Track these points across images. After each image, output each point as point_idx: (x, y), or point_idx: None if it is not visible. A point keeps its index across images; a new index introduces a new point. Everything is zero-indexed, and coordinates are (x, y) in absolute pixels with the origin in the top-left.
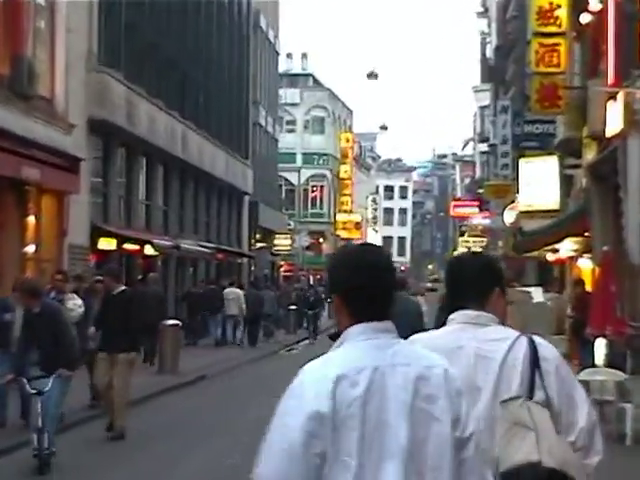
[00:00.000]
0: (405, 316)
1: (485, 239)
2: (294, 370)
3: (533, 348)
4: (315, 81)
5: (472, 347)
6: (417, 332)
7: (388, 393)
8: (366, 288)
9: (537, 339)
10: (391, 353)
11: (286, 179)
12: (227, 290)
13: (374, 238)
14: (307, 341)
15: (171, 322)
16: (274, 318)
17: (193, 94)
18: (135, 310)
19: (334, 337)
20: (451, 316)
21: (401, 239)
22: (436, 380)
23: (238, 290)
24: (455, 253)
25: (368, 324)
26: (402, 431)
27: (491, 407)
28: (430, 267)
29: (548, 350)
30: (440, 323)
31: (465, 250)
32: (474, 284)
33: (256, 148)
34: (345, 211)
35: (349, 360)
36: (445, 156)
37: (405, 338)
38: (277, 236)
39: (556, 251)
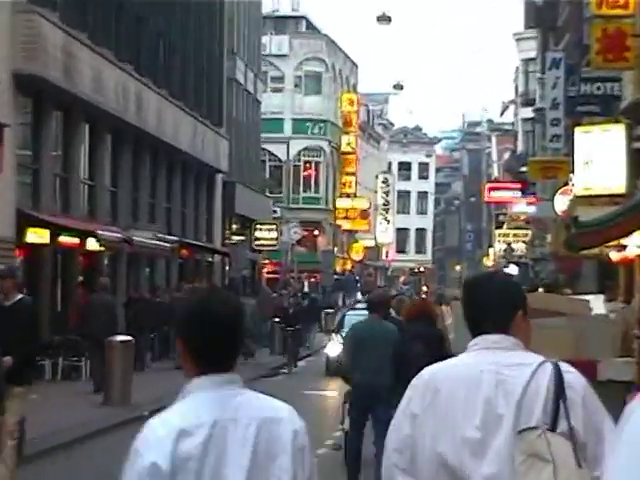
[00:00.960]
0: (380, 346)
1: (529, 232)
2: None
3: (558, 375)
4: (309, 25)
5: (492, 373)
6: (399, 362)
7: (227, 448)
8: (208, 339)
9: (564, 366)
10: (234, 406)
11: (271, 153)
12: None
13: (385, 230)
14: (285, 370)
15: (121, 338)
16: (255, 333)
17: (151, 42)
18: (29, 327)
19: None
20: (471, 342)
21: (420, 232)
22: (279, 435)
23: None
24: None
25: (210, 376)
26: None
27: (512, 436)
28: (458, 268)
29: (575, 378)
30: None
31: (504, 247)
32: (494, 309)
33: (232, 113)
34: (348, 195)
35: (189, 414)
36: (478, 124)
37: (385, 369)
38: (259, 227)
39: (622, 248)
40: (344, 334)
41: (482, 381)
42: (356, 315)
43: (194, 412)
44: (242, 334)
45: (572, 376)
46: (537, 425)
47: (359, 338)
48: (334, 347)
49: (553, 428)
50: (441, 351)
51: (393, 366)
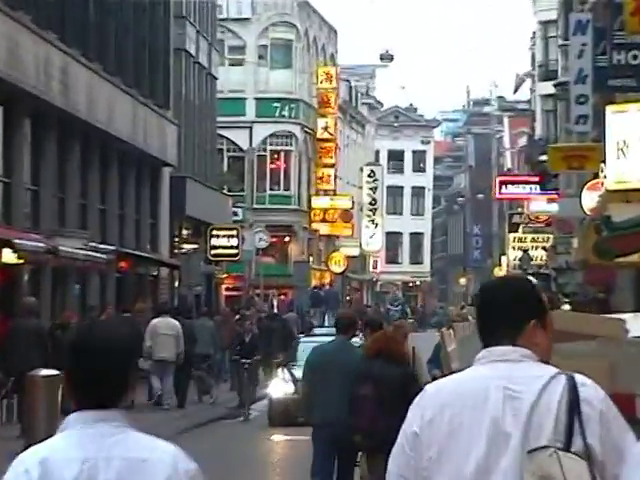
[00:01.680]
0: (347, 375)
1: (550, 236)
2: (224, 458)
3: (573, 388)
4: None
5: (500, 388)
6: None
7: None
8: (84, 374)
9: (579, 377)
10: (109, 444)
11: (231, 141)
12: (157, 322)
13: (372, 236)
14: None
15: (45, 372)
16: (213, 364)
17: (79, 4)
18: None
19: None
20: (478, 355)
21: (415, 237)
22: (152, 476)
23: (173, 321)
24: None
25: (86, 412)
26: None
27: (520, 456)
28: (463, 281)
29: (592, 391)
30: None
31: (520, 254)
32: (505, 317)
33: (181, 91)
34: (326, 192)
35: (59, 450)
36: (487, 102)
37: (346, 398)
38: (216, 233)
39: None
40: (298, 366)
41: (489, 397)
42: (312, 343)
43: (64, 447)
44: (126, 370)
45: (588, 389)
46: (548, 444)
47: (321, 365)
48: (279, 386)
49: (567, 447)
50: (405, 397)
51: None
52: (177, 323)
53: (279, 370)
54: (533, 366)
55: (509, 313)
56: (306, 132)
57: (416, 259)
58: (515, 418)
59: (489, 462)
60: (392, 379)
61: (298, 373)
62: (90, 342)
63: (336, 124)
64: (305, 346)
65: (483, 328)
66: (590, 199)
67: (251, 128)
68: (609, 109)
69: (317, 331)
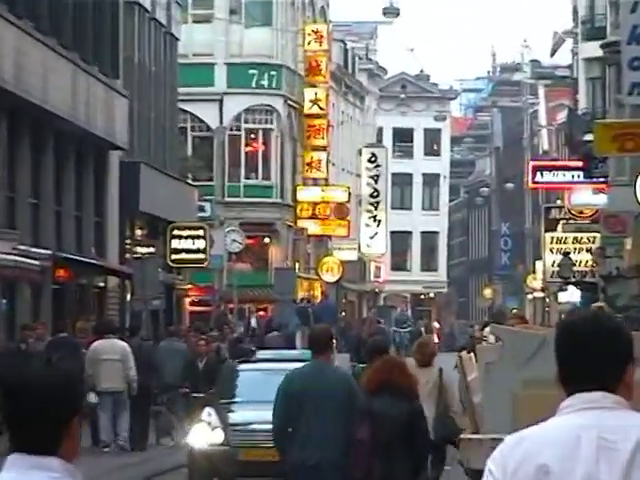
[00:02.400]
0: (329, 405)
1: (598, 235)
2: None
3: None
4: None
5: (593, 437)
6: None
7: None
8: (12, 414)
9: None
10: None
11: (196, 117)
12: (98, 344)
13: (374, 236)
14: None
15: None
16: (176, 398)
17: None
18: None
19: None
20: (564, 402)
21: (428, 237)
22: None
23: (119, 343)
24: (537, 268)
25: (22, 456)
26: None
27: None
28: (488, 293)
29: None
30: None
31: (559, 258)
32: (602, 362)
33: (134, 56)
34: (316, 182)
35: None
36: (517, 68)
37: (335, 439)
38: (178, 233)
39: None
40: (233, 404)
41: (580, 447)
42: (254, 371)
43: None
44: (62, 411)
45: None
46: None
47: (297, 394)
48: (202, 432)
49: None
50: (410, 438)
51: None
52: (124, 345)
53: (204, 410)
54: (627, 414)
55: (609, 357)
56: (290, 106)
57: (429, 265)
58: (611, 470)
59: None
60: (396, 418)
61: (233, 414)
62: (19, 380)
63: (328, 96)
64: (244, 376)
65: (568, 373)
66: None
67: (221, 101)
68: None
69: (261, 355)
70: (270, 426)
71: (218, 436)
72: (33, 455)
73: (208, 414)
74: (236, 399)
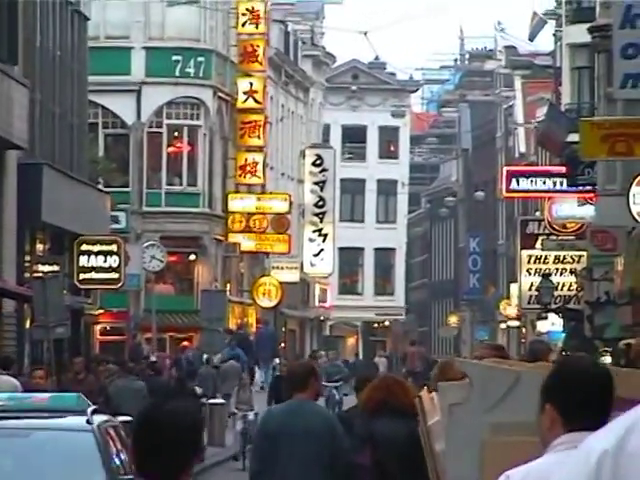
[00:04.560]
0: (309, 446)
1: (584, 254)
2: None
3: None
4: None
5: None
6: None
7: None
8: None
9: None
10: None
11: (109, 111)
12: None
13: (319, 253)
14: None
15: None
16: None
17: None
18: None
19: None
20: (557, 440)
21: (384, 255)
22: None
23: (13, 380)
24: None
25: None
26: None
27: None
28: (453, 321)
29: None
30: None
31: (539, 280)
32: (594, 402)
33: (35, 38)
34: (251, 189)
35: None
36: (489, 55)
37: None
38: (87, 248)
39: None
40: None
41: None
42: None
43: None
44: (188, 450)
45: None
46: None
47: (272, 434)
48: None
49: None
50: (414, 461)
51: None
52: (15, 382)
53: None
54: None
55: (606, 399)
56: (221, 99)
57: (384, 288)
58: None
59: None
60: (399, 439)
61: None
62: (157, 420)
63: (265, 87)
64: None
65: (571, 411)
66: None
67: (139, 92)
68: None
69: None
70: None
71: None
72: None
73: None
74: None
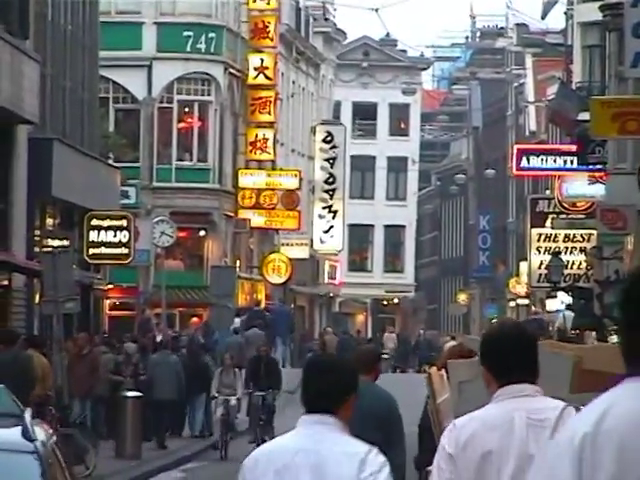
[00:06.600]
0: (372, 424)
1: (594, 232)
2: None
3: None
4: None
5: (523, 418)
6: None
7: None
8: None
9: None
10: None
11: (120, 86)
12: None
13: (328, 230)
14: None
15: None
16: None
17: None
18: None
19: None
20: (496, 393)
21: (393, 232)
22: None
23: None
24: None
25: (306, 416)
26: None
27: None
28: (462, 299)
29: None
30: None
31: (548, 259)
32: (523, 359)
33: (47, 13)
34: (261, 165)
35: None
36: (500, 33)
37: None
38: (97, 223)
39: None
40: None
41: (514, 424)
42: None
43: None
44: (349, 387)
45: None
46: None
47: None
48: None
49: None
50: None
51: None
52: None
53: None
54: (547, 399)
55: (526, 356)
56: (232, 75)
57: (394, 265)
58: (537, 442)
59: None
60: None
61: None
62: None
63: (276, 63)
64: None
65: (498, 370)
66: None
67: (150, 68)
68: None
69: None
70: None
71: None
72: (317, 414)
73: None
74: None
